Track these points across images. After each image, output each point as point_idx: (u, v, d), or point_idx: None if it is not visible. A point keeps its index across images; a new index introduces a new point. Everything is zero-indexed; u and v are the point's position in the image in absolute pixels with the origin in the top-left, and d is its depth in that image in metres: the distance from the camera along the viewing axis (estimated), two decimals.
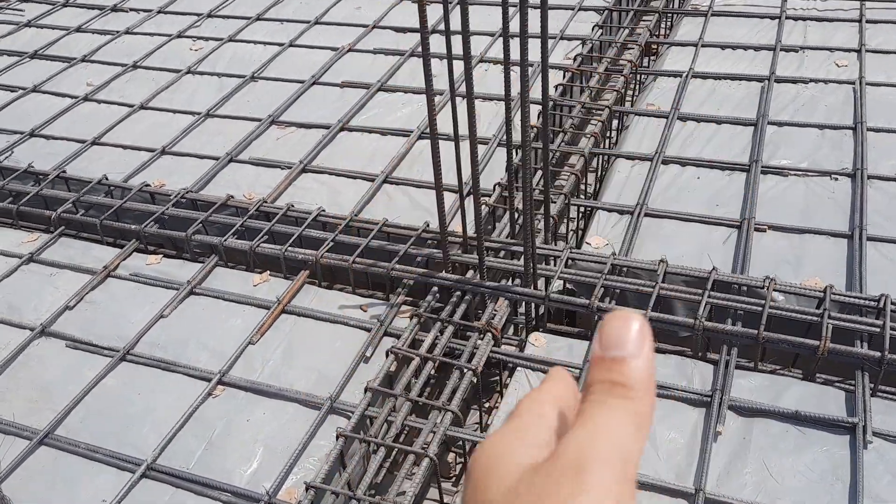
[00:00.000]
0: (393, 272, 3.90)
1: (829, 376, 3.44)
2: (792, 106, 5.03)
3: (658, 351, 3.56)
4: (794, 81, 5.27)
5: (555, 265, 3.86)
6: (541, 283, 3.85)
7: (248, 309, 3.94)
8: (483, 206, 4.33)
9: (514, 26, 3.16)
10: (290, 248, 4.12)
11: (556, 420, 0.63)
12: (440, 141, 3.45)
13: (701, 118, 4.98)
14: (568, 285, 3.93)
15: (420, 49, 3.19)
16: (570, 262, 3.91)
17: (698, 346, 3.52)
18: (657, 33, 6.27)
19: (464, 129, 3.41)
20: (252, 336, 3.75)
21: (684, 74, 5.42)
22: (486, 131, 5.04)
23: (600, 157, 4.96)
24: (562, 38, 6.04)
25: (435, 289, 3.86)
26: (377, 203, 4.59)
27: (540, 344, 3.63)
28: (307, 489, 3.00)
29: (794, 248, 3.96)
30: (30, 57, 6.67)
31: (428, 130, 4.97)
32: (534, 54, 3.97)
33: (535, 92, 5.52)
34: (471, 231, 3.87)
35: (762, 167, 4.48)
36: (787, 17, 6.04)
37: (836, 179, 4.38)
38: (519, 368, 3.52)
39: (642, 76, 5.73)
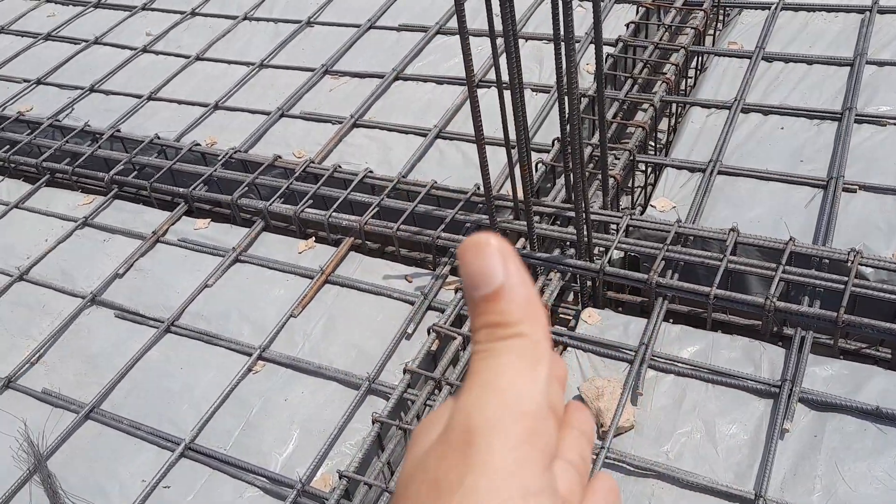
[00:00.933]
0: (439, 240, 3.69)
1: None
2: None
3: (724, 330, 3.24)
4: None
5: (616, 233, 3.56)
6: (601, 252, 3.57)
7: (292, 278, 3.82)
8: (539, 165, 4.04)
9: None
10: (334, 214, 3.95)
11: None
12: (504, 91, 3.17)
13: (789, 58, 4.45)
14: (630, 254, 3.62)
15: None
16: (630, 229, 3.60)
17: (769, 327, 3.19)
18: None
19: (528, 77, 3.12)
20: (294, 308, 3.63)
21: (773, 6, 4.85)
22: (550, 78, 4.67)
23: (674, 105, 4.53)
24: None
25: None
26: (429, 160, 4.34)
27: (594, 321, 3.37)
28: (340, 478, 2.90)
29: (887, 213, 3.51)
30: (94, 6, 6.63)
31: (490, 77, 4.66)
32: None
33: (612, 32, 5.11)
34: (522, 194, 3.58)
35: (857, 115, 3.97)
36: None
37: None
38: (569, 349, 3.28)
39: (727, 10, 5.18)
